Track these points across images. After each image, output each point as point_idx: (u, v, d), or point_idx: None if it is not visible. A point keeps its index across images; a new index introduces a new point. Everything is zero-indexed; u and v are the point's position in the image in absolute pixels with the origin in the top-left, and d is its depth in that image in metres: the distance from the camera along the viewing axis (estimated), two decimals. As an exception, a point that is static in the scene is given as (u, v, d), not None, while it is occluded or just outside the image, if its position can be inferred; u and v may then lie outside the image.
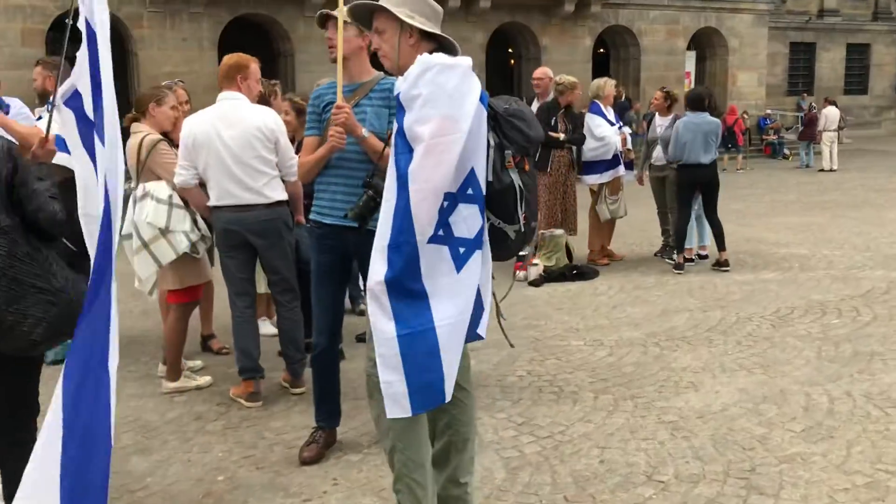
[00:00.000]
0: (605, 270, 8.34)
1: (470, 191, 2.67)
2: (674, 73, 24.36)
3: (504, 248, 2.91)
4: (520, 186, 2.81)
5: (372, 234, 3.51)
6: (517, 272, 7.91)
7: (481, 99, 2.70)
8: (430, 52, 2.81)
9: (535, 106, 8.35)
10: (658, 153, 8.86)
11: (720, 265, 8.21)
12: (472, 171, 2.66)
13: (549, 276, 7.88)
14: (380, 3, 2.97)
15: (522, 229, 2.85)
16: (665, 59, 24.52)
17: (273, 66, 20.33)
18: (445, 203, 2.64)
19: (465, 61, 2.74)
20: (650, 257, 9.07)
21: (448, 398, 2.67)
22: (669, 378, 5.06)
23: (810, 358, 5.35)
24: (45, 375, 3.21)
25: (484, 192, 2.71)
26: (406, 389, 2.68)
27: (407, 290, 2.61)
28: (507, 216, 2.82)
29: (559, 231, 8.13)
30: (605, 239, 8.91)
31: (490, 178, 2.75)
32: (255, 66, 4.77)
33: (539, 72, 8.85)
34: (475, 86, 2.70)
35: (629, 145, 8.72)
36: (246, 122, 4.58)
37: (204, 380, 5.12)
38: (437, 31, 2.96)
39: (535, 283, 7.74)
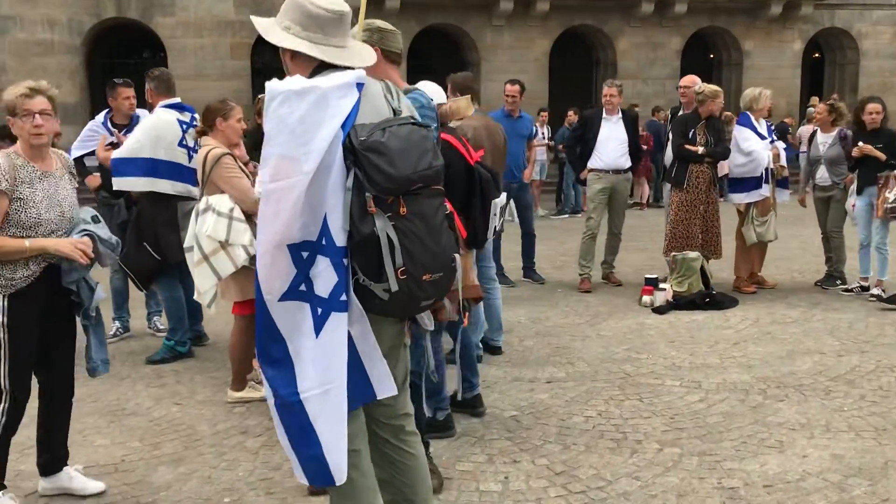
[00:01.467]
0: (749, 300, 7.53)
1: (324, 241, 2.33)
2: (901, 79, 21.94)
3: (383, 309, 2.44)
4: (388, 236, 2.32)
5: None
6: (643, 297, 7.35)
7: (345, 126, 2.32)
8: (316, 69, 2.53)
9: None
10: (822, 172, 7.90)
11: (874, 295, 7.22)
12: (326, 217, 2.32)
13: (678, 303, 7.23)
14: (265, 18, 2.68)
15: (398, 287, 2.35)
16: (891, 64, 22.10)
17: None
18: (305, 254, 2.33)
19: (329, 81, 2.36)
20: (809, 286, 8.09)
21: (340, 476, 2.41)
22: (756, 434, 4.40)
23: (946, 425, 4.46)
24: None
25: (341, 242, 2.35)
26: (296, 458, 2.46)
27: (270, 354, 2.39)
28: (371, 272, 2.36)
29: (693, 254, 7.43)
30: (755, 264, 8.06)
31: (348, 227, 2.36)
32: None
33: (686, 80, 8.19)
34: (338, 111, 2.32)
35: (783, 161, 7.83)
36: None
37: (268, 392, 5.11)
38: (310, 43, 2.53)
39: (660, 311, 7.13)
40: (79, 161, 6.77)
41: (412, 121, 2.52)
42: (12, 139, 9.12)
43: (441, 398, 4.47)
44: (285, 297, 2.34)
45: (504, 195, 4.60)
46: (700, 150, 7.47)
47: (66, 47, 17.62)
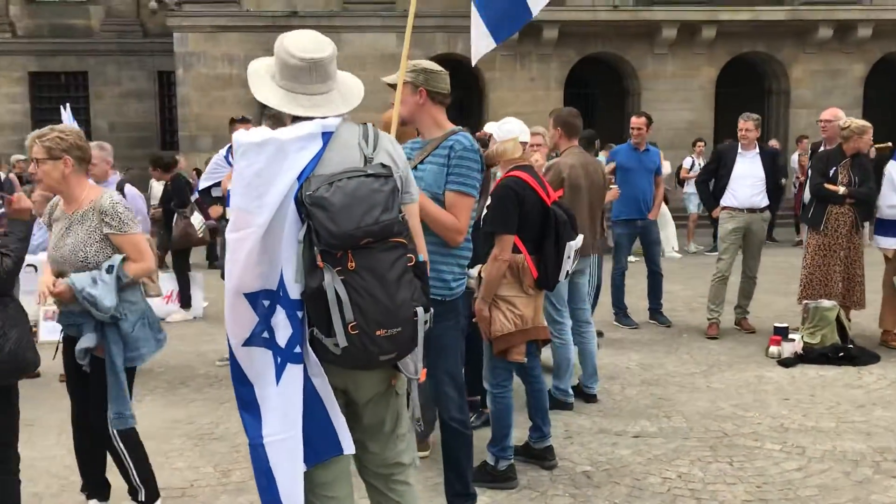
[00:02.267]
0: (894, 356, 6.78)
1: (281, 292, 2.34)
2: None
3: (338, 361, 2.38)
4: (336, 291, 2.26)
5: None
6: (770, 347, 6.80)
7: (301, 178, 2.30)
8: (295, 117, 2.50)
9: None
10: None
11: None
12: (282, 269, 2.33)
13: (808, 356, 6.61)
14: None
15: (348, 342, 2.29)
16: None
17: (621, 102, 20.18)
18: (266, 302, 2.35)
19: (290, 133, 2.35)
20: (975, 345, 7.18)
21: None
22: (851, 514, 3.91)
23: None
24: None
25: (294, 294, 2.34)
26: (260, 499, 2.48)
27: (241, 396, 2.44)
28: (321, 326, 2.32)
29: (828, 303, 6.79)
30: (905, 317, 7.25)
31: (301, 279, 2.34)
32: None
33: (827, 113, 7.54)
34: (295, 163, 2.31)
35: (941, 203, 7.01)
36: None
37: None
38: (285, 92, 2.52)
39: (786, 363, 6.55)
40: (205, 192, 7.18)
41: (365, 173, 2.41)
42: (163, 168, 9.80)
43: (504, 446, 4.31)
44: (248, 342, 2.38)
45: (580, 237, 4.39)
46: (841, 189, 6.84)
47: (242, 81, 18.85)
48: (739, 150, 7.63)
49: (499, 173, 4.48)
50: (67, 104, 8.26)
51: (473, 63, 5.45)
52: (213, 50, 18.79)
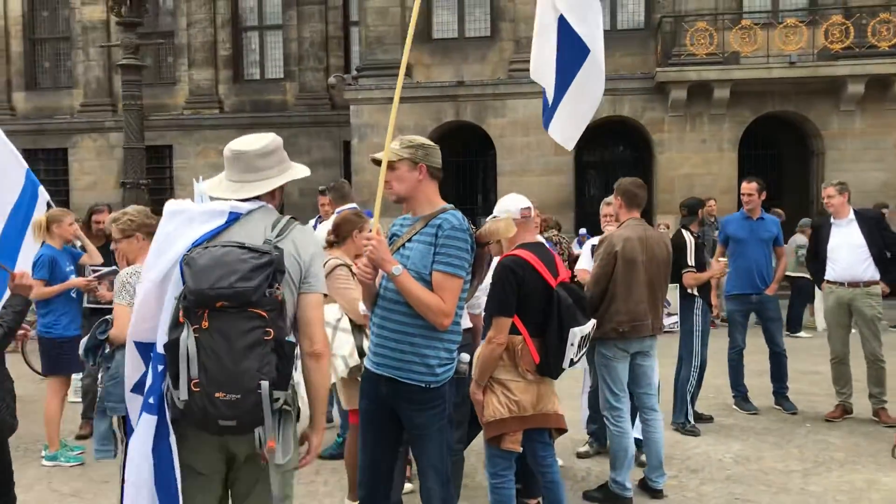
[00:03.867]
0: None
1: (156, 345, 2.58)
2: None
3: (183, 419, 2.53)
4: (187, 346, 2.41)
5: (404, 386, 3.34)
6: None
7: (196, 242, 2.58)
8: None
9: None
10: None
11: None
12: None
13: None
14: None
15: (187, 397, 2.43)
16: None
17: (805, 165, 18.87)
18: (152, 353, 2.60)
19: (203, 207, 2.67)
20: None
21: None
22: None
23: None
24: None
25: (160, 347, 2.55)
26: None
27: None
28: (174, 378, 2.49)
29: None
30: None
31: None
32: None
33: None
34: (198, 231, 2.61)
35: None
36: None
37: None
38: (220, 180, 2.93)
39: (909, 467, 5.67)
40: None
41: (241, 245, 2.62)
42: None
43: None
44: (134, 389, 2.66)
45: (592, 322, 4.09)
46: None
47: (411, 149, 19.58)
48: (832, 219, 6.89)
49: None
50: (201, 177, 8.91)
51: (570, 148, 5.57)
52: (385, 120, 19.62)
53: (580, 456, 6.08)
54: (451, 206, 3.59)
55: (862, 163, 17.80)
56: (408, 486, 5.09)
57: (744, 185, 7.41)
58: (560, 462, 5.84)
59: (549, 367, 3.98)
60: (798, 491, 5.33)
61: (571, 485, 5.49)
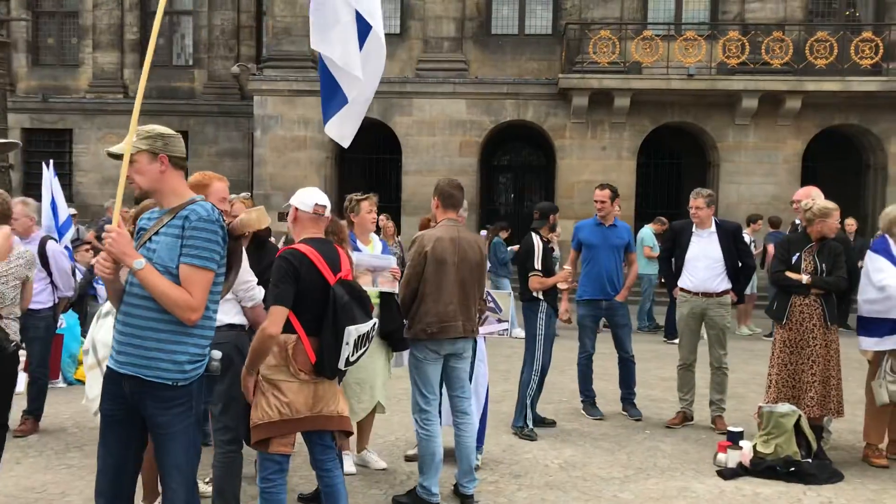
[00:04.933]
0: (869, 476, 5.81)
1: None
2: None
3: None
4: None
5: (149, 384, 3.18)
6: (718, 454, 6.00)
7: None
8: None
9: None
10: None
11: None
12: None
13: (755, 468, 5.76)
14: None
15: None
16: None
17: (703, 175, 19.25)
18: None
19: None
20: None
21: None
22: None
23: None
24: None
25: None
26: None
27: None
28: None
29: (785, 408, 5.93)
30: (890, 429, 6.22)
31: None
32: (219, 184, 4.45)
33: (800, 193, 6.76)
34: None
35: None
36: None
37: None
38: None
39: (724, 475, 5.73)
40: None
41: None
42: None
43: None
44: None
45: (372, 322, 3.97)
46: (805, 278, 6.03)
47: (316, 143, 19.28)
48: (694, 228, 6.98)
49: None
50: (51, 161, 8.55)
51: (346, 145, 5.45)
52: (290, 113, 19.33)
53: (408, 459, 5.97)
54: (201, 196, 3.44)
55: (754, 175, 18.28)
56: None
57: (596, 191, 7.42)
58: (384, 464, 5.78)
59: (324, 366, 3.85)
60: (609, 498, 5.33)
61: (387, 489, 5.39)
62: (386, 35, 5.32)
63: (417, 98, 18.99)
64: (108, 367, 3.38)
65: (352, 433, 4.22)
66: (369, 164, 20.37)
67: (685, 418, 7.20)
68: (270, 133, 19.53)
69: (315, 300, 3.86)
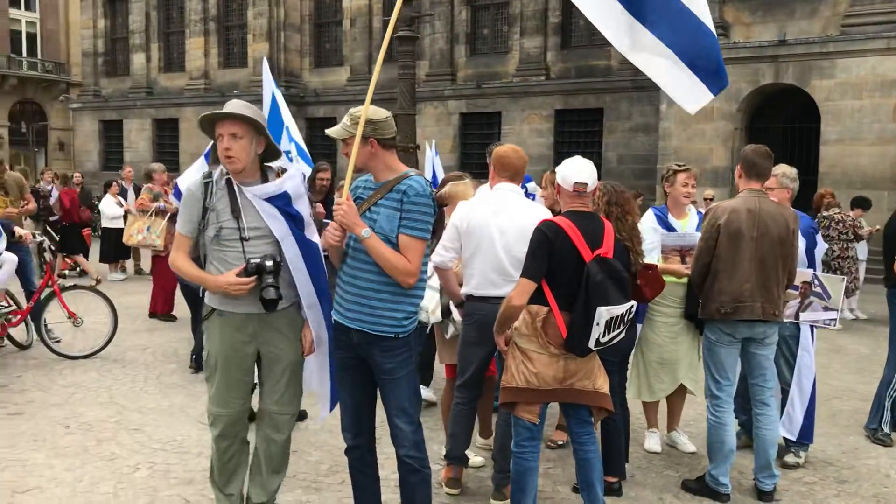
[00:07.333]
0: None
1: None
2: None
3: None
4: None
5: (374, 337, 3.64)
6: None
7: None
8: None
9: None
10: None
11: None
12: None
13: None
14: None
15: None
16: None
17: None
18: None
19: None
20: None
21: None
22: None
23: None
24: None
25: None
26: None
27: None
28: None
29: None
30: None
31: None
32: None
33: None
34: None
35: None
36: (521, 215, 4.50)
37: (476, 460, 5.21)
38: None
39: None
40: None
41: None
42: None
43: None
44: None
45: (629, 304, 3.83)
46: None
47: (723, 114, 18.47)
48: None
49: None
50: (433, 141, 9.48)
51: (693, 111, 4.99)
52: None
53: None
54: (415, 170, 3.70)
55: None
56: (478, 459, 5.20)
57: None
58: (693, 448, 5.54)
59: (573, 343, 3.82)
60: None
61: (685, 472, 5.17)
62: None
63: (841, 59, 17.08)
64: (335, 320, 3.78)
65: (612, 411, 4.13)
66: (783, 134, 18.89)
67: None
68: (676, 105, 19.07)
69: (569, 275, 3.83)
